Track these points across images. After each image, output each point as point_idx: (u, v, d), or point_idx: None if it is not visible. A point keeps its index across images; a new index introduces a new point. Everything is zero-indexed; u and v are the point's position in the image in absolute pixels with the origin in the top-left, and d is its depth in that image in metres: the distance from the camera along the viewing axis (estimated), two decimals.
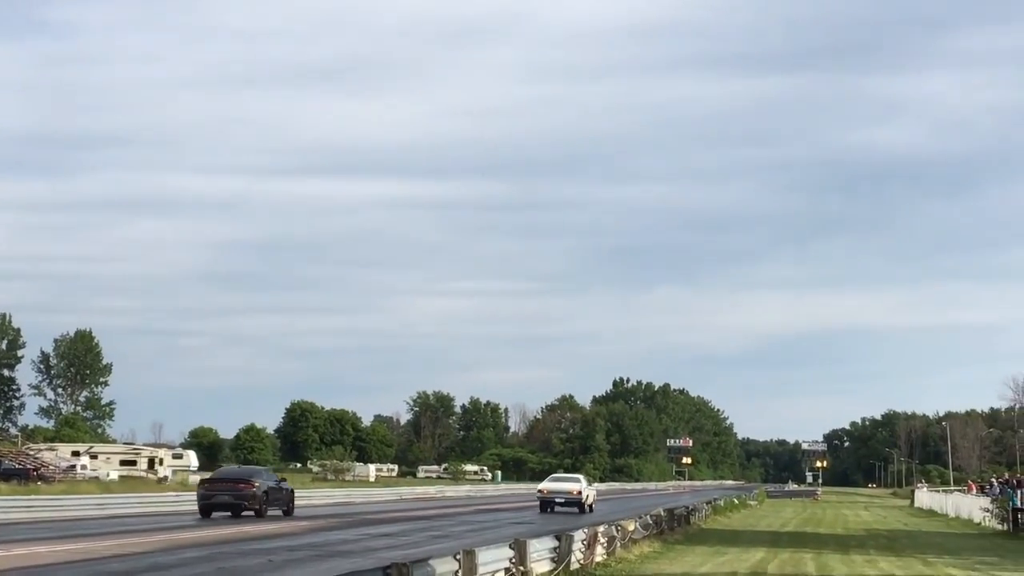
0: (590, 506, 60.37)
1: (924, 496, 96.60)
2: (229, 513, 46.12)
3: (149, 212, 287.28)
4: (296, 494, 53.29)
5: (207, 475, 59.45)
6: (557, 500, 59.79)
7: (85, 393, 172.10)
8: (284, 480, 53.12)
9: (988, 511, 56.96)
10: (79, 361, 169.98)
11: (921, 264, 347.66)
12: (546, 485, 63.12)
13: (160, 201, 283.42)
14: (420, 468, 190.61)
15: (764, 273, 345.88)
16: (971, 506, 65.15)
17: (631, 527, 33.57)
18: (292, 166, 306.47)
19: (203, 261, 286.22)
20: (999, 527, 53.05)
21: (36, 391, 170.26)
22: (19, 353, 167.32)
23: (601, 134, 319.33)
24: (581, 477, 67.65)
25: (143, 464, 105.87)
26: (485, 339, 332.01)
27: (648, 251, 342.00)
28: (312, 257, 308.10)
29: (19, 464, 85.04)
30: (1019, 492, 52.47)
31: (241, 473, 52.25)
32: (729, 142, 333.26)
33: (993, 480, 72.00)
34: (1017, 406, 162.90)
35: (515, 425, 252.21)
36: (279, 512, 48.14)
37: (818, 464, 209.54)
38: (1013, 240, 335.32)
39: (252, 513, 45.86)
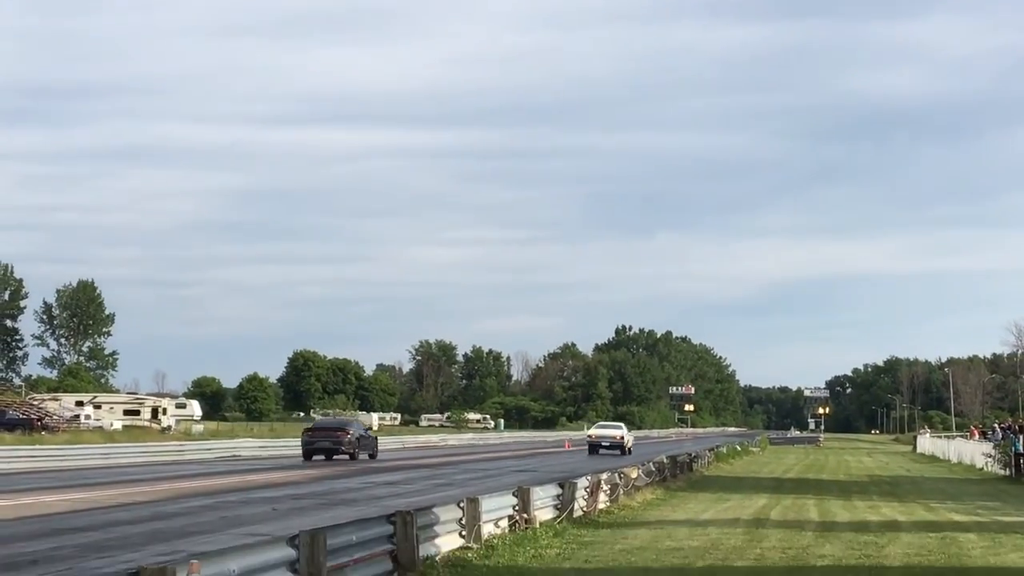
0: (629, 449, 68.81)
1: (926, 442, 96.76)
2: (323, 457, 53.38)
3: (149, 162, 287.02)
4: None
5: (309, 425, 67.19)
6: (603, 444, 69.34)
7: (88, 343, 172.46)
8: (370, 429, 64.91)
9: (990, 456, 57.03)
10: (82, 311, 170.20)
11: (922, 210, 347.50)
12: (594, 432, 73.97)
13: (160, 150, 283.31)
14: (423, 417, 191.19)
15: (765, 220, 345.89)
16: (973, 452, 65.23)
17: (634, 474, 33.63)
18: (292, 115, 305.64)
19: (204, 211, 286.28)
20: (1001, 472, 53.11)
21: (39, 341, 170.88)
22: (22, 304, 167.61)
23: (600, 82, 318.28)
24: (622, 425, 79.37)
25: (147, 414, 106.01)
26: (487, 288, 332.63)
27: (649, 199, 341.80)
28: (313, 206, 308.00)
29: (23, 414, 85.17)
30: (1021, 437, 52.51)
31: (337, 423, 63.51)
32: (730, 89, 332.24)
33: (996, 425, 72.13)
34: (1019, 352, 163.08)
35: (517, 373, 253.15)
36: (366, 456, 55.72)
37: (820, 411, 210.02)
38: (1014, 185, 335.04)
39: (346, 456, 53.37)
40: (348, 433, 54.91)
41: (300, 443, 55.82)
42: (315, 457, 53.38)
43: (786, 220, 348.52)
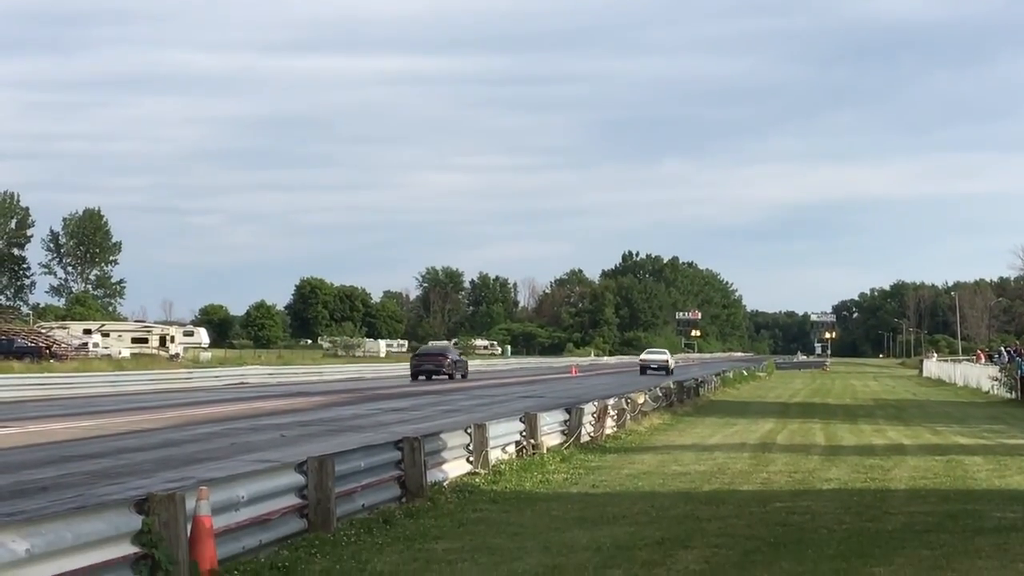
0: (671, 370, 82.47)
1: (932, 366, 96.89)
2: (424, 377, 64.23)
3: (154, 89, 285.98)
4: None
5: (415, 351, 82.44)
6: (652, 366, 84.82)
7: (95, 271, 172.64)
8: (463, 355, 79.07)
9: (996, 380, 57.13)
10: (88, 240, 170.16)
11: (931, 134, 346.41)
12: (644, 357, 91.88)
13: (165, 78, 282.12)
14: (430, 343, 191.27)
15: (772, 145, 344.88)
16: (979, 375, 65.33)
17: (641, 400, 33.72)
18: (296, 41, 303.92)
19: (210, 138, 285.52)
20: (1007, 395, 53.22)
21: (46, 270, 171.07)
22: (28, 232, 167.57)
23: (607, 6, 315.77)
24: (666, 351, 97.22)
25: (154, 342, 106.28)
26: (494, 214, 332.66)
27: (655, 124, 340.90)
28: (319, 133, 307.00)
29: (31, 342, 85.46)
30: None
31: (438, 349, 76.78)
32: (737, 13, 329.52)
33: (1002, 349, 72.15)
34: None
35: (524, 299, 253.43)
36: (460, 376, 66.47)
37: (827, 335, 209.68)
38: (1022, 108, 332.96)
39: (446, 376, 64.32)
40: (447, 358, 67.11)
41: (409, 366, 68.58)
42: (419, 377, 64.49)
43: (794, 144, 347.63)
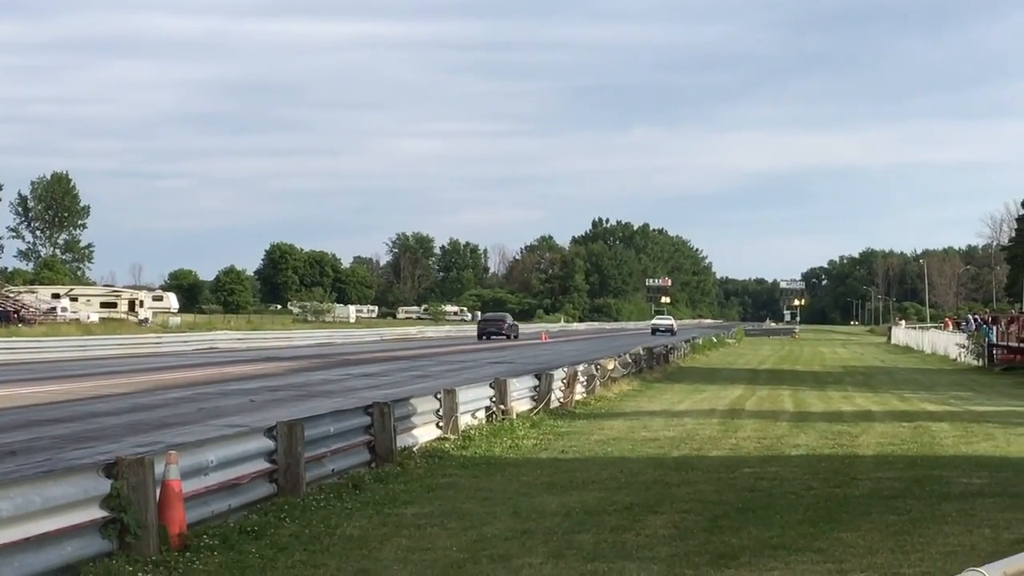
0: (674, 331, 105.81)
1: (901, 333, 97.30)
2: (487, 337, 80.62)
3: (125, 53, 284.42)
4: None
5: (482, 317, 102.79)
6: (660, 328, 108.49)
7: (64, 236, 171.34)
8: (516, 320, 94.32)
9: (964, 347, 57.46)
10: (57, 204, 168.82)
11: (902, 102, 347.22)
12: (655, 322, 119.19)
13: (136, 41, 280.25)
14: (400, 309, 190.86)
15: (743, 113, 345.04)
16: (947, 342, 65.68)
17: (610, 366, 33.80)
18: (269, 5, 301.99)
19: (181, 103, 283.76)
20: (974, 363, 53.56)
21: (14, 234, 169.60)
22: None
23: None
24: (671, 316, 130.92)
25: (123, 306, 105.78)
26: (464, 180, 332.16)
27: (626, 91, 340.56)
28: (290, 98, 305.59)
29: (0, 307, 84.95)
30: (994, 328, 52.93)
31: (499, 316, 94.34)
32: None
33: (970, 316, 72.52)
34: (993, 243, 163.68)
35: (494, 266, 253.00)
36: (514, 336, 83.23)
37: (796, 302, 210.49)
38: (994, 77, 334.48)
39: (504, 337, 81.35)
40: (506, 323, 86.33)
41: (476, 328, 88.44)
42: (484, 337, 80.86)
43: (765, 112, 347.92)
